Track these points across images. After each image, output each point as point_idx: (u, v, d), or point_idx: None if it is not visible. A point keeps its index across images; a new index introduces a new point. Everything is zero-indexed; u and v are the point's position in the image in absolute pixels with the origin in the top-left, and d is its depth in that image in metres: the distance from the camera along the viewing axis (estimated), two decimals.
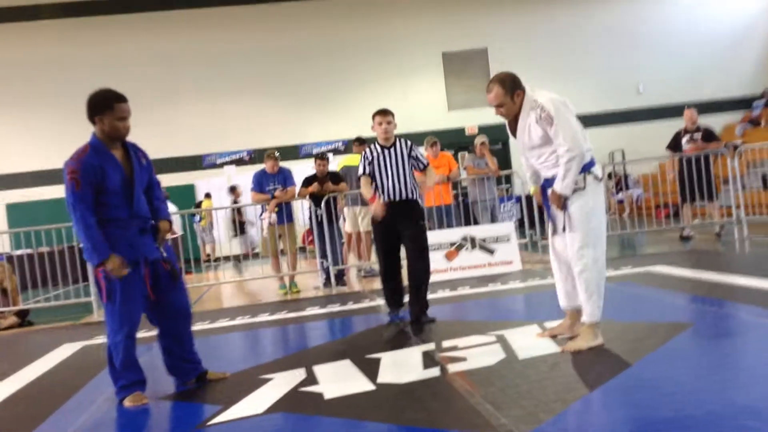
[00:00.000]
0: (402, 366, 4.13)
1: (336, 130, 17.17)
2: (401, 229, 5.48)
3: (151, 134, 16.56)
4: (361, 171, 5.64)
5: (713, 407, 2.84)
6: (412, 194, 5.55)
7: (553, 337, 4.32)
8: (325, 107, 17.29)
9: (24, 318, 8.24)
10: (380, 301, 6.83)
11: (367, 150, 5.65)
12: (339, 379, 3.92)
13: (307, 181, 8.73)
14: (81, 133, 17.15)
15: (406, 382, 3.74)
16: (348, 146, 17.11)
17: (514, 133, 4.15)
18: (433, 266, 7.96)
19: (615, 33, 18.29)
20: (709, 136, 9.62)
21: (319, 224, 8.54)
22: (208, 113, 16.89)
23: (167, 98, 16.73)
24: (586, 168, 3.95)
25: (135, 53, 16.67)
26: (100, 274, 3.74)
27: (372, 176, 5.57)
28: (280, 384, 3.94)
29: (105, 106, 3.76)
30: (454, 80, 17.90)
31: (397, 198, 5.48)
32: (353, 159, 9.64)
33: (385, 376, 3.92)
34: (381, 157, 5.53)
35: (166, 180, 16.56)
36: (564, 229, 4.04)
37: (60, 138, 16.58)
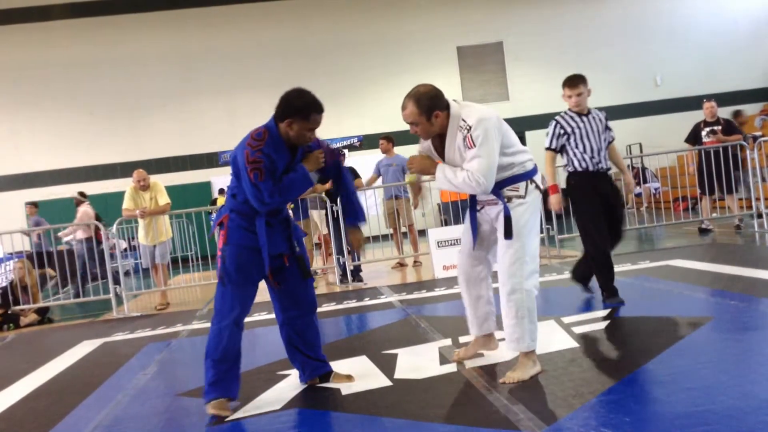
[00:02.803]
0: (419, 362, 4.12)
1: (351, 126, 17.17)
2: (613, 202, 5.20)
3: (167, 132, 16.76)
4: (549, 144, 5.18)
5: (734, 402, 2.81)
6: (608, 166, 5.21)
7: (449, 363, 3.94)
8: (339, 103, 17.29)
9: (44, 315, 8.33)
10: (396, 297, 6.82)
11: (561, 120, 5.14)
12: (356, 375, 3.91)
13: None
14: (97, 131, 17.20)
15: (424, 378, 3.75)
16: (363, 142, 17.12)
17: (439, 153, 3.61)
18: (451, 261, 8.04)
19: (632, 25, 18.13)
20: (729, 128, 9.51)
21: (335, 220, 8.53)
22: (222, 111, 16.96)
23: (182, 96, 16.82)
24: (529, 176, 3.58)
25: (149, 52, 16.77)
26: (220, 252, 3.57)
27: (560, 151, 5.18)
28: (298, 380, 3.94)
29: (303, 113, 3.43)
30: (470, 75, 17.82)
31: (602, 168, 5.12)
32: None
33: (402, 372, 3.92)
34: (580, 125, 5.08)
35: (183, 177, 16.73)
36: (482, 243, 3.80)
37: (76, 136, 16.78)
